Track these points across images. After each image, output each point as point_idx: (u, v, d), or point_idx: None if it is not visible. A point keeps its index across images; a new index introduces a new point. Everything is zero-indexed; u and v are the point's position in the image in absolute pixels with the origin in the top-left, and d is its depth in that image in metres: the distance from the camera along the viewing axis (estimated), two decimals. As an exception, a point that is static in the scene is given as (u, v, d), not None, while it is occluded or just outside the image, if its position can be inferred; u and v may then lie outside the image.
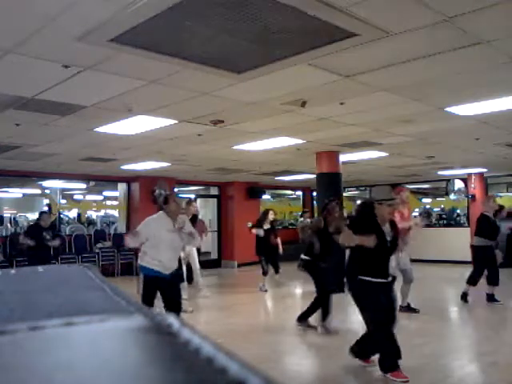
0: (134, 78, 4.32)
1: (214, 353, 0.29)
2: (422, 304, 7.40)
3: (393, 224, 4.26)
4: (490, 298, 7.15)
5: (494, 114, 5.97)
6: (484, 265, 7.19)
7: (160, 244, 4.51)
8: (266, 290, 8.91)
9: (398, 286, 6.38)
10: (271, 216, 9.07)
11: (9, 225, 14.10)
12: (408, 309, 6.54)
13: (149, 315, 0.36)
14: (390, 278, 4.26)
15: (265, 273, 8.96)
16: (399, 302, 6.24)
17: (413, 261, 6.59)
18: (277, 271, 9.27)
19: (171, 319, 0.35)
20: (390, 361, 4.01)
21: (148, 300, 4.68)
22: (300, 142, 7.80)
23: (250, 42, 3.52)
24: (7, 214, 15.31)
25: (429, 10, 3.06)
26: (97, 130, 6.40)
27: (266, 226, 9.02)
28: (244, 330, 5.57)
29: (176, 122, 6.10)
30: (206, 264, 13.62)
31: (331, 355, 4.78)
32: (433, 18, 3.18)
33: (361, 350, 4.33)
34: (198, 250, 8.60)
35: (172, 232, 4.54)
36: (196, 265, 8.24)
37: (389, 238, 4.11)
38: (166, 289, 4.69)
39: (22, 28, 3.23)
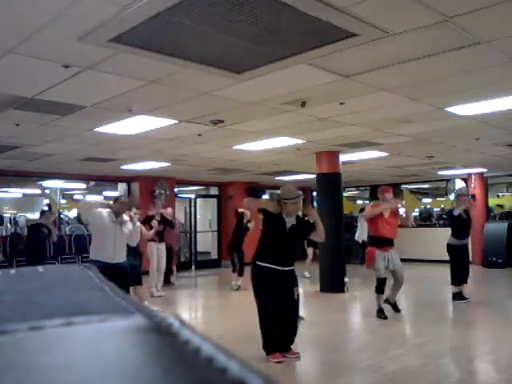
0: (134, 78, 4.32)
1: (214, 353, 0.29)
2: (422, 303, 7.41)
3: (299, 218, 4.67)
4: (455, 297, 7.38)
5: (494, 114, 5.97)
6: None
7: (104, 232, 5.26)
8: (237, 288, 9.04)
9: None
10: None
11: (9, 225, 14.09)
12: (392, 306, 6.52)
13: (149, 315, 0.36)
14: (290, 268, 4.51)
15: (236, 270, 9.19)
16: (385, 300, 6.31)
17: (414, 261, 6.59)
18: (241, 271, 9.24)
19: (171, 319, 0.35)
20: (265, 345, 4.46)
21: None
22: (300, 141, 7.79)
23: (250, 42, 3.52)
24: (7, 214, 15.30)
25: (429, 9, 3.06)
26: (97, 129, 6.41)
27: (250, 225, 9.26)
28: (244, 329, 5.57)
29: (176, 121, 6.10)
30: (205, 264, 13.66)
31: (331, 353, 4.78)
32: (433, 17, 3.19)
33: (282, 343, 4.51)
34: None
35: (112, 222, 5.29)
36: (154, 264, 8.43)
37: (288, 225, 4.49)
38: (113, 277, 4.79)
39: (22, 28, 3.23)
